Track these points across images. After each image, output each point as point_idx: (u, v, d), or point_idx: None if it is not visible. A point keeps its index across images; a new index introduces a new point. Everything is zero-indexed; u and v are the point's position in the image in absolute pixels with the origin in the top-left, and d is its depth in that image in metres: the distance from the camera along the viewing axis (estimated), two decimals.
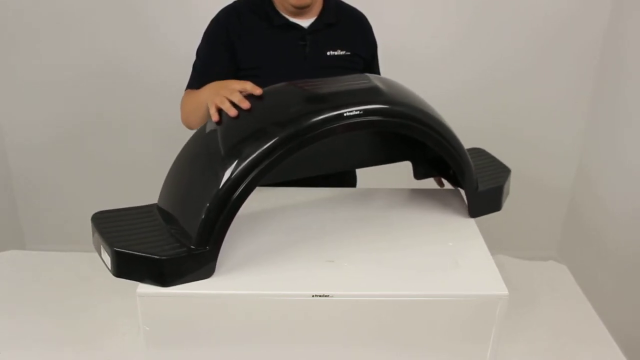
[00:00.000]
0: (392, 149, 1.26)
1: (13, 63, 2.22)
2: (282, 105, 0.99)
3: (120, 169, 2.33)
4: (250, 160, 0.90)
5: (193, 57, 1.41)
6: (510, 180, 1.25)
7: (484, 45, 2.24)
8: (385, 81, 1.08)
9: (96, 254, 0.96)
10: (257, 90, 1.01)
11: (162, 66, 2.19)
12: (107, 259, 0.91)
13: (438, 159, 1.08)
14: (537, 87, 2.30)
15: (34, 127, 2.31)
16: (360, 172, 1.52)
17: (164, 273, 0.89)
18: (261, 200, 1.20)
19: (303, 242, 1.05)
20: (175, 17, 2.14)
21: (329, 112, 0.95)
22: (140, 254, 0.88)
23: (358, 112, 0.96)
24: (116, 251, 0.88)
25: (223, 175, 0.90)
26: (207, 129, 1.02)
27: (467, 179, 1.12)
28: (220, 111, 1.01)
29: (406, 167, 1.31)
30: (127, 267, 0.90)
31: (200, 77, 1.35)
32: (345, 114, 0.95)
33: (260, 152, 0.91)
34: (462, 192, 1.19)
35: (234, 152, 0.92)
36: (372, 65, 1.49)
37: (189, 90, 1.36)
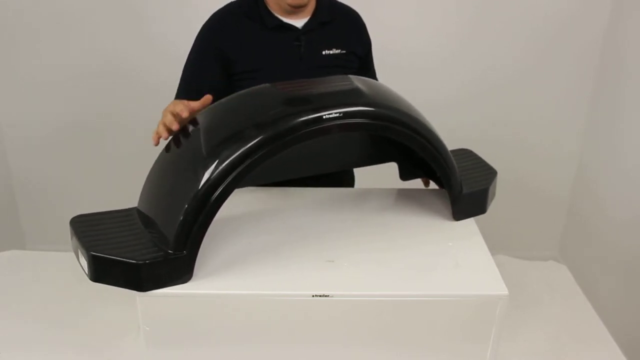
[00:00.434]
0: (378, 150, 1.26)
1: (13, 63, 2.22)
2: (262, 107, 0.98)
3: (121, 169, 2.33)
4: (228, 163, 0.90)
5: None
6: (496, 182, 1.24)
7: (483, 48, 2.24)
8: (367, 83, 1.07)
9: None
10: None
11: (163, 65, 2.18)
12: (84, 263, 0.91)
13: (424, 160, 1.08)
14: (537, 89, 2.30)
15: (34, 127, 2.31)
16: (359, 172, 1.52)
17: (141, 278, 0.89)
18: (261, 200, 1.20)
19: (303, 242, 1.05)
20: (175, 16, 2.14)
21: (308, 115, 0.94)
22: (116, 258, 0.88)
23: (338, 115, 0.96)
24: (92, 255, 0.88)
25: (200, 178, 0.89)
26: (186, 132, 1.01)
27: (450, 181, 1.10)
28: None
29: None
30: (103, 271, 0.89)
31: (188, 85, 1.35)
32: (324, 117, 0.94)
33: (239, 155, 0.90)
34: None
35: (212, 155, 0.91)
36: (367, 63, 1.49)
37: (175, 100, 1.36)
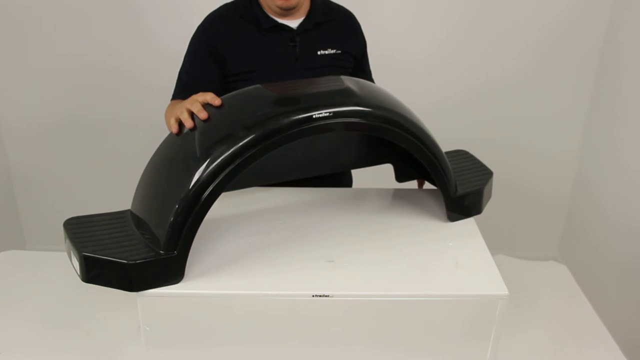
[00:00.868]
0: (373, 151, 1.25)
1: (13, 63, 2.22)
2: (253, 107, 0.98)
3: (121, 169, 2.32)
4: (217, 163, 0.90)
5: None
6: (492, 182, 1.24)
7: (482, 52, 2.24)
8: (359, 83, 1.06)
9: None
10: (217, 101, 1.00)
11: (163, 64, 2.18)
12: (76, 264, 0.91)
13: (419, 161, 1.08)
14: (537, 92, 2.30)
15: (34, 127, 2.31)
16: (356, 173, 1.52)
17: (131, 278, 0.89)
18: (261, 200, 1.20)
19: (303, 242, 1.05)
20: (175, 16, 2.14)
21: (298, 114, 0.94)
22: (107, 258, 0.88)
23: (328, 114, 0.95)
24: (84, 256, 0.88)
25: (190, 179, 0.90)
26: (177, 134, 1.01)
27: (443, 181, 1.10)
28: (181, 123, 1.00)
29: None
30: (95, 272, 0.90)
31: (185, 86, 1.35)
32: (314, 116, 0.94)
33: (228, 155, 0.90)
34: None
35: (202, 156, 0.91)
36: (362, 63, 1.49)
37: (173, 101, 1.36)
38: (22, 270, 1.38)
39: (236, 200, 1.19)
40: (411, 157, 1.07)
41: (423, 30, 2.22)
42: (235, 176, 0.91)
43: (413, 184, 1.33)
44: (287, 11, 1.31)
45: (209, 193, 0.90)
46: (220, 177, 0.90)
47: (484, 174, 1.23)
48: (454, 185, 1.13)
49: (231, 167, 0.90)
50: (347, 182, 1.53)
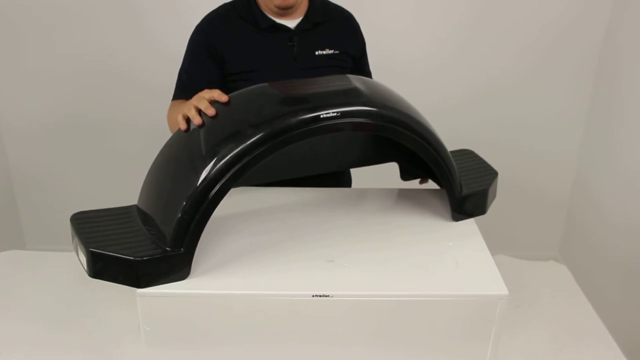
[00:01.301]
0: (378, 150, 1.25)
1: (13, 62, 2.22)
2: (260, 106, 0.98)
3: (122, 169, 2.33)
4: (225, 161, 0.90)
5: None
6: (497, 183, 1.23)
7: (482, 52, 2.24)
8: (366, 83, 1.06)
9: None
10: (224, 98, 1.00)
11: (163, 64, 2.18)
12: (83, 259, 0.92)
13: (424, 161, 1.08)
14: (537, 92, 2.30)
15: (34, 127, 2.31)
16: (356, 172, 1.52)
17: (138, 274, 0.89)
18: (261, 200, 1.20)
19: (303, 241, 1.05)
20: (175, 16, 2.14)
21: (305, 114, 0.94)
22: (114, 254, 0.89)
23: (335, 114, 0.95)
24: (91, 251, 0.89)
25: (198, 176, 0.90)
26: (184, 131, 1.01)
27: (448, 181, 1.10)
28: (189, 120, 1.00)
29: None
30: (101, 267, 0.90)
31: (185, 87, 1.35)
32: (321, 116, 0.94)
33: (236, 153, 0.90)
34: None
35: (210, 153, 0.91)
36: (361, 63, 1.48)
37: (174, 101, 1.36)
38: (22, 270, 1.38)
39: (236, 200, 1.19)
40: (417, 156, 1.07)
41: (423, 31, 2.22)
42: (242, 174, 0.91)
43: (413, 184, 1.33)
44: (285, 10, 1.31)
45: (217, 191, 0.90)
46: (228, 175, 0.90)
47: (489, 174, 1.23)
48: (459, 186, 1.13)
49: (239, 165, 0.90)
50: (346, 182, 1.53)
